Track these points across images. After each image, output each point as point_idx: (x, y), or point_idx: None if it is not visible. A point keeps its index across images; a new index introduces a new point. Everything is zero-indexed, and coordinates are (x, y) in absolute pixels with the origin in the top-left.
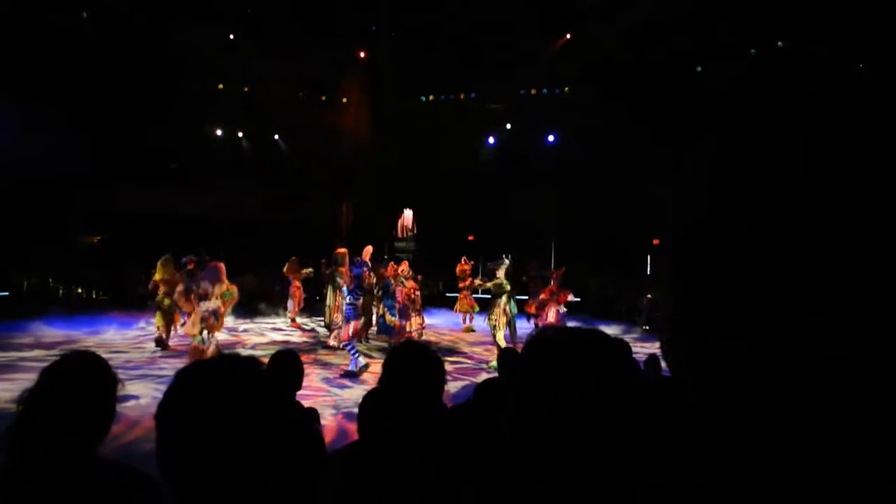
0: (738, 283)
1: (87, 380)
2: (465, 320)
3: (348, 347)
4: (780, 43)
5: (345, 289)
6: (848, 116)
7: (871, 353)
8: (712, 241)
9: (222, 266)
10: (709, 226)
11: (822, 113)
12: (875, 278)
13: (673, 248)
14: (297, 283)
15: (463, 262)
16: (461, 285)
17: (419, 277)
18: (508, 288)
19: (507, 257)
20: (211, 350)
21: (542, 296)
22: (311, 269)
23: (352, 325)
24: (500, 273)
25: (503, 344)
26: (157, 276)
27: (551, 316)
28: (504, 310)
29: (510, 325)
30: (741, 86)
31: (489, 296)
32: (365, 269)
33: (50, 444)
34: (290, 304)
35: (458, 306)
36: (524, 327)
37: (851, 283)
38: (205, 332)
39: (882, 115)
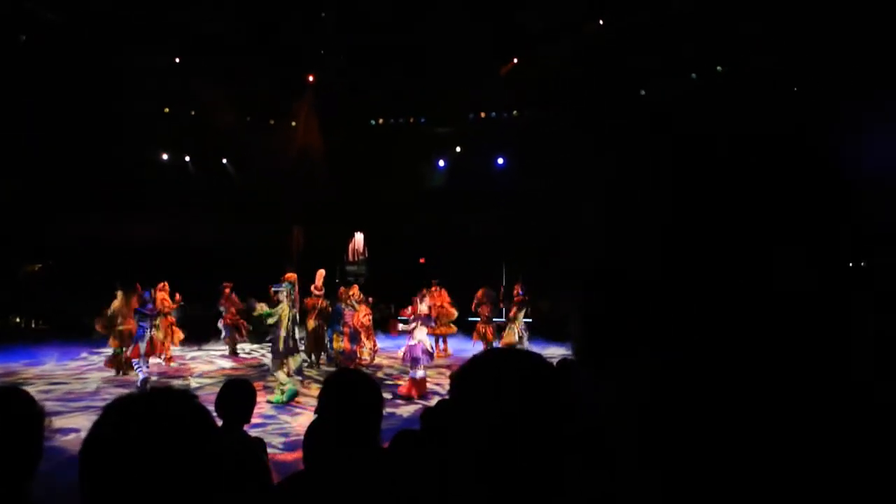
0: (631, 310)
1: (9, 417)
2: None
3: (135, 364)
4: (719, 67)
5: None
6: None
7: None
8: (607, 274)
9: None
10: (605, 258)
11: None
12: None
13: (576, 283)
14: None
15: (517, 290)
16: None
17: (370, 300)
18: (287, 312)
19: (289, 285)
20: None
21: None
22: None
23: (141, 346)
24: (283, 297)
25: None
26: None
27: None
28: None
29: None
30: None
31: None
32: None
33: None
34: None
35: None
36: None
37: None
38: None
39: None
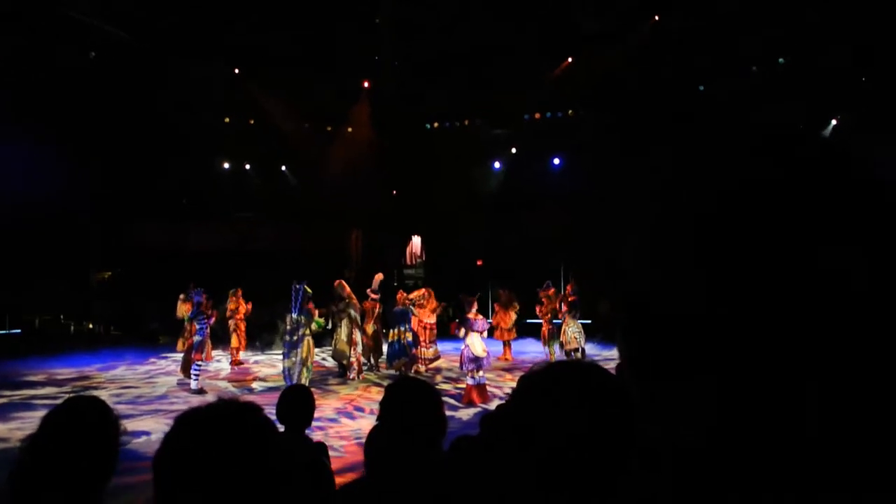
0: (677, 332)
1: (88, 426)
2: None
3: (193, 370)
4: (780, 59)
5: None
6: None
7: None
8: (651, 297)
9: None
10: (649, 283)
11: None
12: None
13: (622, 304)
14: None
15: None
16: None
17: (442, 304)
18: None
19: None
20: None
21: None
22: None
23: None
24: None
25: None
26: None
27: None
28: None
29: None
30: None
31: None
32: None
33: (50, 491)
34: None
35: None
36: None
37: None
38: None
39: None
